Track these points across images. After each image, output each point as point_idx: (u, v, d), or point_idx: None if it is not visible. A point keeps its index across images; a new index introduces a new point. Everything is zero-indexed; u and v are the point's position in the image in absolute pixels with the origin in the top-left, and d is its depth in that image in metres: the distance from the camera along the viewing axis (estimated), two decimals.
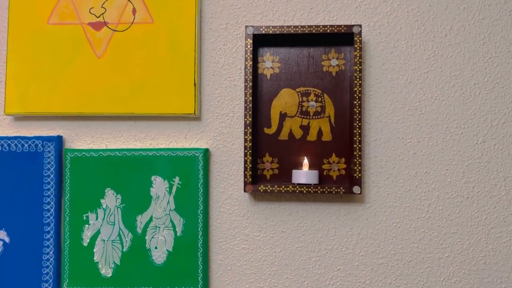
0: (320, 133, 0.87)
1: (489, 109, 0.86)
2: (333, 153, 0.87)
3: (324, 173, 0.87)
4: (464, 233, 0.85)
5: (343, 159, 0.87)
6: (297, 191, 0.82)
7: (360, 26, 0.82)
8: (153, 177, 0.86)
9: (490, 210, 0.85)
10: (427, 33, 0.87)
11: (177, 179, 0.86)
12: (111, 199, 0.87)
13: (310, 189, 0.82)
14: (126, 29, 0.88)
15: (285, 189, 0.82)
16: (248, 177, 0.83)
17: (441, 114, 0.86)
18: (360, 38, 0.82)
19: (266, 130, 0.88)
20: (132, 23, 0.88)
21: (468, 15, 0.86)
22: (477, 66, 0.86)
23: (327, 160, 0.87)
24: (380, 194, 0.86)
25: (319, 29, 0.83)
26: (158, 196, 0.86)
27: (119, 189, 0.87)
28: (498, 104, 0.86)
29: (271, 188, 0.83)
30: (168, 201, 0.86)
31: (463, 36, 0.86)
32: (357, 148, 0.82)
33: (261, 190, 0.83)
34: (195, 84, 0.87)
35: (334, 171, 0.87)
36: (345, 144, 0.87)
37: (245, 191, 0.83)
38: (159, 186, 0.86)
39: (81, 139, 0.91)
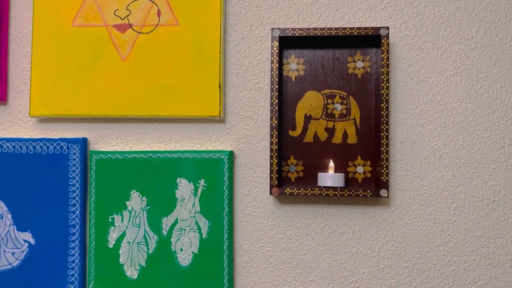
0: (345, 135, 0.87)
1: None
2: (359, 156, 0.87)
3: (350, 176, 0.87)
4: (490, 236, 0.85)
5: (369, 162, 0.86)
6: (324, 194, 0.82)
7: (387, 28, 0.81)
8: (178, 179, 0.86)
9: None
10: (453, 35, 0.86)
11: (202, 181, 0.86)
12: (136, 201, 0.87)
13: (337, 192, 0.82)
14: (151, 31, 0.88)
15: (312, 192, 0.82)
16: (274, 180, 0.83)
17: (468, 117, 0.86)
18: (387, 41, 0.82)
19: (291, 133, 0.88)
20: (157, 25, 0.88)
21: (495, 17, 0.86)
22: (504, 68, 0.86)
23: (352, 163, 0.87)
24: (405, 197, 0.86)
25: (346, 31, 0.82)
26: (184, 198, 0.86)
27: (144, 191, 0.87)
28: None
29: (297, 191, 0.82)
30: (194, 203, 0.86)
31: (489, 38, 0.86)
32: (384, 151, 0.82)
33: (287, 193, 0.83)
34: (220, 87, 0.86)
35: (359, 173, 0.87)
36: (370, 146, 0.86)
37: (271, 193, 0.82)
38: (184, 188, 0.86)
39: (106, 141, 0.91)
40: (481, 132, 0.85)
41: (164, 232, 0.86)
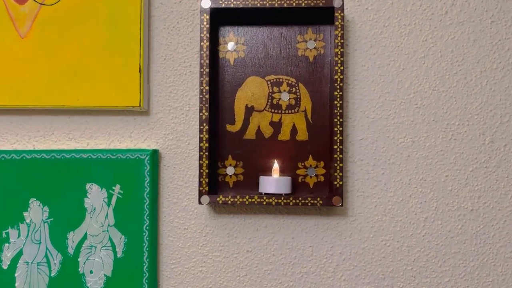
0: (294, 131, 0.72)
1: (498, 102, 0.71)
2: (310, 156, 0.72)
3: (299, 180, 0.71)
4: (467, 253, 0.71)
5: (322, 163, 0.71)
6: (265, 203, 0.67)
7: None
8: (88, 185, 0.71)
9: (499, 226, 0.70)
10: (424, 10, 0.72)
11: (117, 188, 0.70)
12: (36, 212, 0.71)
13: (280, 200, 0.66)
14: (57, 2, 0.72)
15: (250, 200, 0.67)
16: (204, 186, 0.67)
17: (441, 109, 0.71)
18: (342, 14, 0.66)
19: (229, 128, 0.73)
20: None
21: None
22: (484, 49, 0.71)
23: (303, 164, 0.72)
24: (366, 205, 0.71)
25: (292, 2, 0.67)
26: (94, 209, 0.70)
27: (46, 200, 0.71)
28: (509, 97, 0.71)
29: (232, 199, 0.67)
30: (107, 215, 0.70)
31: (467, 14, 0.72)
32: (338, 149, 0.66)
33: (220, 202, 0.67)
34: (140, 71, 0.71)
35: (311, 177, 0.72)
36: (324, 144, 0.71)
37: (200, 202, 0.67)
38: (95, 196, 0.70)
39: (4, 138, 0.74)
40: (456, 126, 0.71)
41: (70, 250, 0.71)
